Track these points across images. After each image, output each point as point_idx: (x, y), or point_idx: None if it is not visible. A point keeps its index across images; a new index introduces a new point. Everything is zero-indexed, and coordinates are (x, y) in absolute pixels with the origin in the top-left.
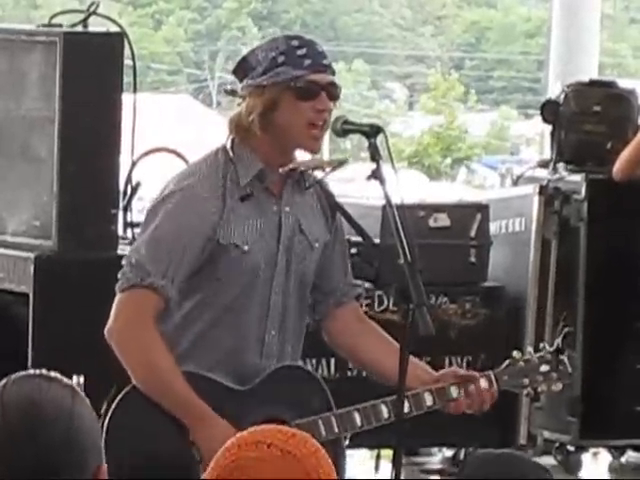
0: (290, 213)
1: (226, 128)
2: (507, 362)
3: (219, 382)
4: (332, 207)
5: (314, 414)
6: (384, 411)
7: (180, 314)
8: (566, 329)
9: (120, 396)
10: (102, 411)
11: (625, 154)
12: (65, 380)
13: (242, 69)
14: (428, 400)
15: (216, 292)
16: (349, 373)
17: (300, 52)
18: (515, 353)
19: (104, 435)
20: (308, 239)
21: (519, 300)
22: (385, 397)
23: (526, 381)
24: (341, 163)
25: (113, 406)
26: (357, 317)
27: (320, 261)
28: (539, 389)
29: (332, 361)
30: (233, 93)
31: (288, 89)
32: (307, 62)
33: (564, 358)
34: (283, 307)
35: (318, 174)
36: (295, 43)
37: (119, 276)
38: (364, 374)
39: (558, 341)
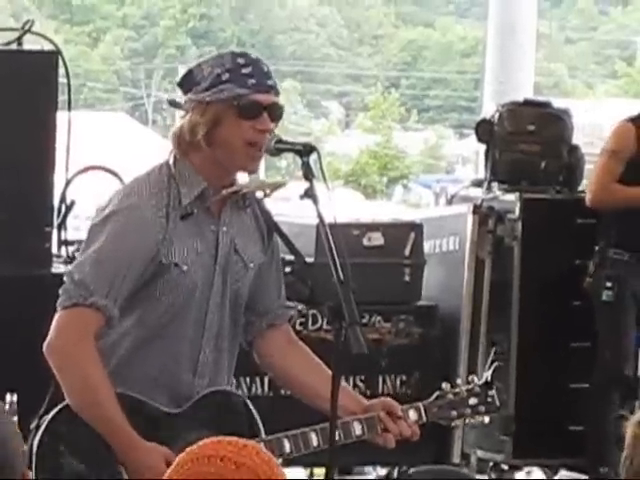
0: (227, 233)
1: (164, 145)
2: (436, 394)
3: (150, 404)
4: (269, 226)
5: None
6: (314, 439)
7: (117, 331)
8: (496, 363)
9: (53, 413)
10: (32, 427)
11: (595, 180)
12: None
13: (187, 82)
14: (357, 429)
15: (153, 310)
16: (282, 392)
17: (245, 70)
18: (444, 385)
19: (35, 450)
20: (243, 260)
21: (453, 319)
22: (317, 420)
23: (454, 413)
24: (280, 185)
25: (45, 422)
26: (288, 339)
27: (255, 282)
28: (467, 421)
29: (265, 380)
30: (176, 105)
31: (231, 107)
32: (251, 81)
33: (493, 392)
34: (218, 327)
35: (258, 194)
36: (241, 61)
37: (61, 292)
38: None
39: (487, 374)
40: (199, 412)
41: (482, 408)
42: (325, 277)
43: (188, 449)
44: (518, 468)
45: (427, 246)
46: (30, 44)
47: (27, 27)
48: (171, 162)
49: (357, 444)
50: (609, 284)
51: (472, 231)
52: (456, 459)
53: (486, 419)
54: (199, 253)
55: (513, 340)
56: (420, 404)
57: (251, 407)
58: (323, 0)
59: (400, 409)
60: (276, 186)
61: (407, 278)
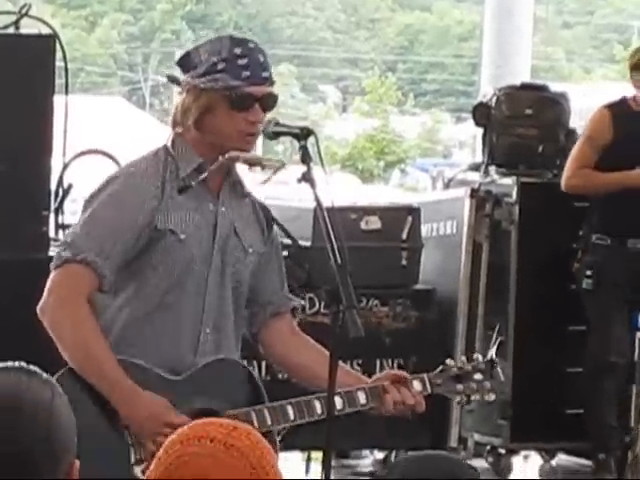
0: (226, 214)
1: (161, 128)
2: (440, 368)
3: (153, 370)
4: (267, 218)
5: (247, 406)
6: (317, 406)
7: (115, 305)
8: (499, 338)
9: (55, 377)
10: None
11: (568, 166)
12: (44, 375)
13: (185, 63)
14: (362, 398)
15: (150, 281)
16: (279, 376)
17: (241, 62)
18: (448, 361)
19: None
20: (242, 243)
21: (450, 303)
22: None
23: (460, 387)
24: (279, 167)
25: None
26: (291, 330)
27: (256, 273)
28: (472, 397)
29: (263, 364)
30: (174, 81)
31: (224, 98)
32: (246, 74)
33: (497, 368)
34: (218, 308)
35: (259, 176)
36: (237, 51)
37: (54, 256)
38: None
39: (492, 351)
40: (203, 379)
41: (487, 384)
42: (322, 261)
43: (179, 430)
44: (515, 452)
45: (424, 230)
46: (27, 28)
47: (24, 11)
48: (169, 143)
49: (354, 428)
50: (589, 272)
51: (469, 215)
52: (453, 443)
53: (492, 396)
54: (197, 227)
55: (510, 323)
56: (425, 375)
57: (255, 376)
58: None
59: (404, 377)
60: (275, 166)
61: (404, 262)
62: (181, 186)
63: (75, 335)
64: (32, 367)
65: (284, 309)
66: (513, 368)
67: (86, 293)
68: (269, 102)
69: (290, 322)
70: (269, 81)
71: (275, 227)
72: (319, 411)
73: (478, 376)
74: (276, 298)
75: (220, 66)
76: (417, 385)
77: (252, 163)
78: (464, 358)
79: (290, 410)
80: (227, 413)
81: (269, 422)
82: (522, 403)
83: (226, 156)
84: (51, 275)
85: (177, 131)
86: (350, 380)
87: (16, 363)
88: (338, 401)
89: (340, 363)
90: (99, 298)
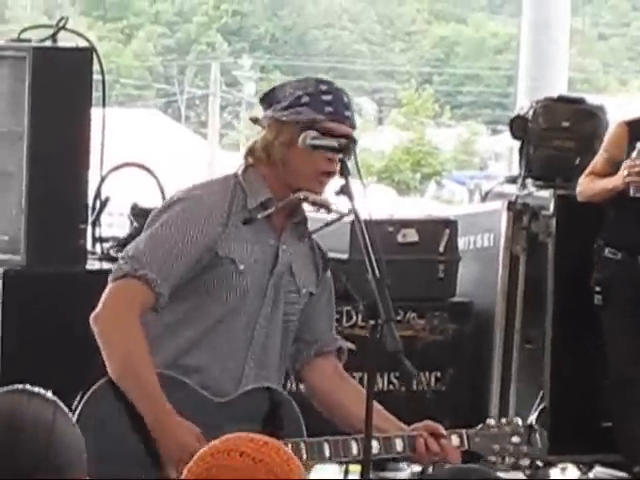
0: (285, 252)
1: (197, 141)
2: (479, 426)
3: (196, 390)
4: (324, 260)
5: (285, 437)
6: (354, 447)
7: (165, 322)
8: (543, 404)
9: (92, 389)
10: (73, 406)
11: (587, 189)
12: (48, 395)
13: (268, 99)
14: (399, 445)
15: (202, 306)
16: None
17: (325, 97)
18: (488, 420)
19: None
20: (296, 283)
21: (487, 316)
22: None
23: (497, 447)
24: (346, 214)
25: (84, 398)
26: (334, 370)
27: (305, 311)
28: (507, 459)
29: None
30: (256, 121)
31: (305, 131)
32: (329, 109)
33: (536, 435)
34: (265, 344)
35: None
36: (323, 88)
37: (113, 268)
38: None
39: (533, 417)
40: (243, 405)
41: (524, 448)
42: (360, 274)
43: (210, 443)
44: (553, 465)
45: (461, 242)
46: (64, 41)
47: (61, 24)
48: (240, 172)
49: None
50: (598, 288)
51: (506, 227)
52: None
53: (526, 461)
54: (256, 260)
55: (547, 336)
56: (463, 431)
57: (295, 407)
58: None
59: (442, 432)
60: (339, 215)
61: (441, 275)
62: (246, 218)
63: (122, 349)
64: (35, 388)
65: (329, 349)
66: (550, 380)
67: (140, 310)
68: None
69: (334, 362)
70: (350, 121)
71: (328, 270)
72: (355, 452)
73: (516, 439)
74: (322, 337)
75: (304, 100)
76: (455, 440)
77: (320, 205)
78: (504, 420)
79: (327, 448)
80: None
81: (304, 457)
82: (559, 415)
83: (296, 195)
84: (109, 286)
85: (250, 162)
86: (387, 426)
87: (19, 386)
88: (375, 445)
89: (378, 406)
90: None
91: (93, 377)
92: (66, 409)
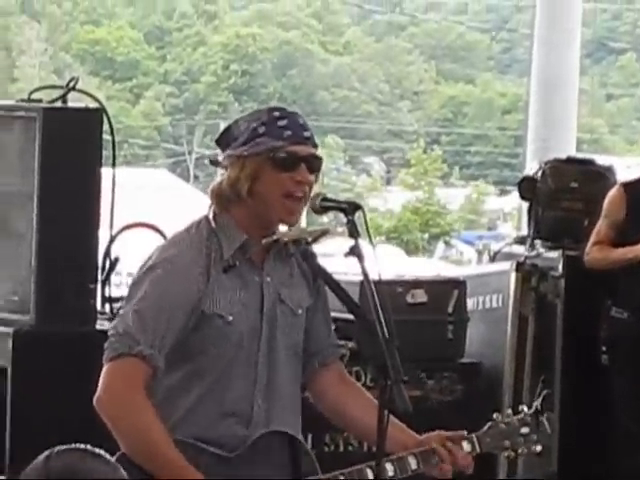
0: (271, 283)
1: (206, 201)
2: (488, 425)
3: (207, 450)
4: (314, 271)
5: (300, 477)
6: (369, 475)
7: (165, 387)
8: (545, 391)
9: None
10: None
11: (599, 259)
12: (109, 457)
13: (225, 139)
14: (413, 464)
15: (202, 365)
16: (340, 449)
17: (281, 123)
18: (495, 415)
19: None
20: (290, 308)
21: (496, 376)
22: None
23: (507, 443)
24: (323, 233)
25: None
26: (341, 378)
27: (305, 324)
28: (519, 451)
29: (309, 436)
30: (216, 163)
31: (267, 160)
32: (287, 133)
33: (543, 420)
34: (269, 377)
35: (300, 242)
36: (276, 114)
37: (105, 346)
38: (341, 449)
39: (537, 403)
40: (255, 454)
41: (534, 437)
42: (369, 334)
43: None
44: None
45: (470, 303)
46: (74, 101)
47: (72, 85)
48: (211, 217)
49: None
50: (604, 348)
51: (515, 288)
52: None
53: (538, 448)
54: (244, 304)
55: (556, 396)
56: (473, 435)
57: (305, 447)
58: (364, 57)
59: (454, 439)
60: (317, 234)
61: (450, 335)
62: (225, 267)
63: (135, 432)
64: (98, 450)
65: (333, 357)
66: (559, 440)
67: (142, 386)
68: (314, 162)
69: (338, 370)
70: (311, 142)
71: (319, 278)
72: (371, 478)
73: (525, 430)
74: (323, 348)
75: (261, 130)
76: (466, 446)
77: (297, 240)
78: (510, 411)
79: None
80: None
81: None
82: (569, 475)
83: (269, 239)
84: (106, 367)
85: (219, 205)
86: (402, 437)
87: (82, 445)
88: (389, 468)
89: (391, 417)
90: None
91: (104, 435)
92: (125, 474)
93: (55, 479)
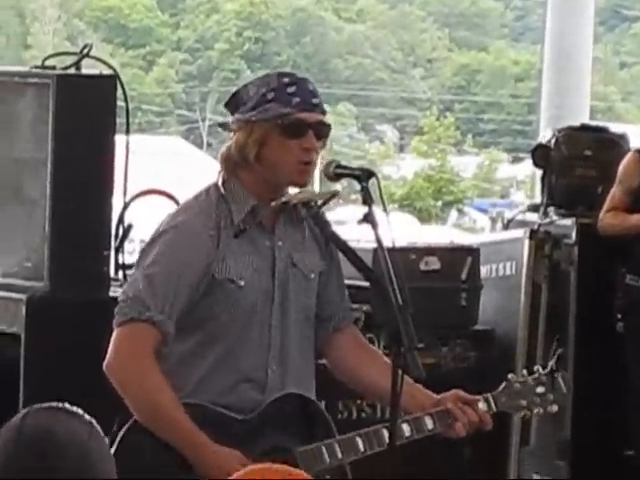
0: (283, 247)
1: (217, 168)
2: (503, 384)
3: (222, 412)
4: (327, 237)
5: (317, 441)
6: (386, 435)
7: (178, 353)
8: (559, 351)
9: (122, 433)
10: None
11: (614, 225)
12: (86, 416)
13: (234, 103)
14: (429, 424)
15: (214, 331)
16: (339, 416)
17: (290, 90)
18: (510, 376)
19: None
20: (302, 272)
21: (509, 343)
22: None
23: (523, 402)
24: (333, 196)
25: (116, 442)
26: (356, 342)
27: (318, 289)
28: (535, 411)
29: (322, 403)
30: (225, 126)
31: (275, 126)
32: (296, 100)
33: (559, 378)
34: (283, 342)
35: (311, 205)
36: (286, 80)
37: (116, 311)
38: (354, 416)
39: (552, 362)
40: (271, 416)
41: (550, 396)
42: (382, 301)
43: (235, 474)
44: None
45: (484, 270)
46: (88, 68)
47: (86, 51)
48: (220, 183)
49: (412, 465)
50: (619, 315)
51: (528, 256)
52: None
53: (554, 408)
54: (255, 269)
55: (570, 363)
56: (489, 394)
57: (322, 409)
58: (377, 24)
59: (469, 398)
60: (327, 197)
61: (464, 302)
62: (236, 231)
63: (144, 396)
64: (74, 408)
65: (347, 321)
66: (573, 409)
67: (152, 351)
68: (322, 129)
69: (353, 335)
70: (320, 108)
71: (331, 242)
72: (388, 440)
73: (540, 389)
74: (337, 312)
75: (269, 96)
76: (482, 405)
77: (306, 202)
78: (525, 372)
79: (360, 442)
80: (298, 450)
81: (340, 456)
82: (581, 444)
83: (278, 202)
84: (116, 332)
85: (228, 170)
86: (419, 397)
87: (59, 403)
88: (406, 428)
89: (406, 379)
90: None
91: (118, 401)
92: (101, 431)
93: (27, 438)
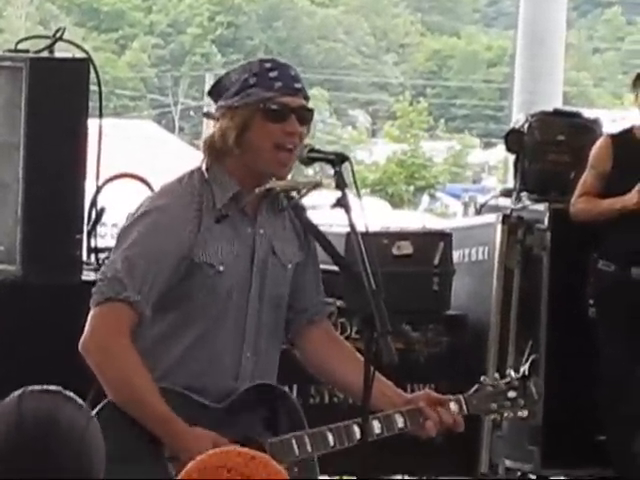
0: (264, 235)
1: (191, 152)
2: (475, 387)
3: (195, 399)
4: (305, 226)
5: (288, 433)
6: (356, 431)
7: (153, 334)
8: (533, 356)
9: (95, 412)
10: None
11: (586, 210)
12: (80, 401)
13: (216, 91)
14: (400, 422)
15: (190, 313)
16: (326, 400)
17: (272, 74)
18: (483, 378)
19: None
20: (281, 261)
21: (482, 328)
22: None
23: (494, 406)
24: (316, 185)
25: (100, 407)
26: (329, 336)
27: (293, 280)
28: (505, 414)
29: (294, 387)
30: (209, 115)
31: (258, 111)
32: (278, 84)
33: (530, 385)
34: (257, 330)
35: (293, 195)
36: (268, 65)
37: (93, 291)
38: (326, 401)
39: (525, 367)
40: (243, 406)
41: (521, 401)
42: (355, 286)
43: (198, 458)
44: (546, 478)
45: (456, 255)
46: (61, 52)
47: (58, 35)
48: (204, 168)
49: (385, 454)
50: (592, 301)
51: (501, 241)
52: (484, 469)
53: (525, 413)
54: (236, 255)
55: (542, 349)
56: (460, 396)
57: (294, 401)
58: (350, 9)
59: (441, 398)
60: (310, 186)
61: (436, 287)
62: (218, 216)
63: (119, 376)
64: (70, 393)
65: (321, 315)
66: (544, 394)
67: (128, 331)
68: (305, 114)
69: (326, 329)
70: (302, 93)
71: (309, 234)
72: (358, 436)
73: (512, 394)
74: (311, 305)
75: (252, 81)
76: (453, 406)
77: (289, 190)
78: (497, 375)
79: (330, 436)
80: (269, 441)
81: (309, 449)
82: (553, 429)
83: (262, 189)
84: (92, 311)
85: (212, 156)
86: (390, 394)
87: (56, 387)
88: (376, 425)
89: (378, 376)
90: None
91: (89, 386)
92: (96, 418)
93: (30, 421)
